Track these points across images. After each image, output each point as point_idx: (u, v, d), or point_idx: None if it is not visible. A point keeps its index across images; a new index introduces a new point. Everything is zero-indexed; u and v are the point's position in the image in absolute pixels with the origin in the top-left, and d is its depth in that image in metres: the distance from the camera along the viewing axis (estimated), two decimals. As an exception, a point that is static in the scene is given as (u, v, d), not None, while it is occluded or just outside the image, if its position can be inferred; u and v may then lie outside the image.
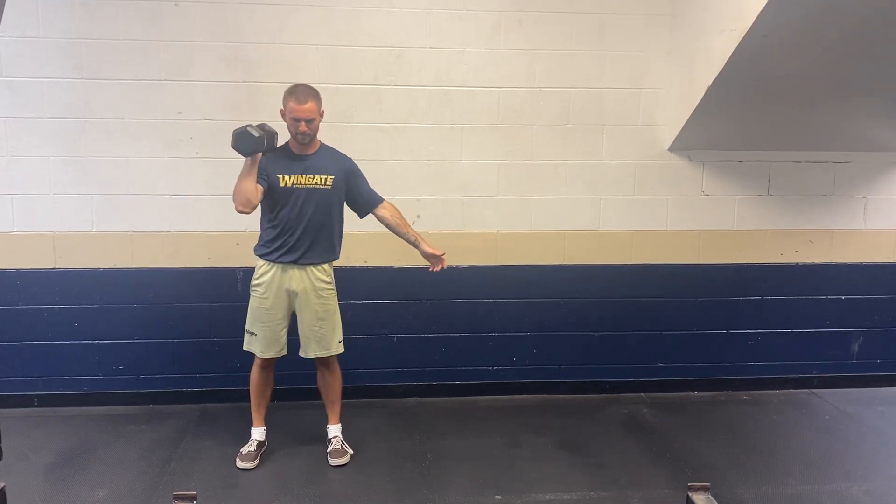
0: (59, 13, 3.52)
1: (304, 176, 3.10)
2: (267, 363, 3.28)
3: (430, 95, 3.78)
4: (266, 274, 3.17)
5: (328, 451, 3.32)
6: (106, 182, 3.67)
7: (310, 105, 3.01)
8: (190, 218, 3.75)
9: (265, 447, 3.35)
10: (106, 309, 3.78)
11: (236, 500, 2.98)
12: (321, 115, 3.09)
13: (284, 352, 3.28)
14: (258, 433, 3.35)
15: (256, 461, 3.25)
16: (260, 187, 3.05)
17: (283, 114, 3.08)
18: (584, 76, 3.84)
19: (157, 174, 3.69)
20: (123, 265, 3.75)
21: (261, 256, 3.19)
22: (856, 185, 4.12)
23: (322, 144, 3.20)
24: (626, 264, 4.05)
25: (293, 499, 2.98)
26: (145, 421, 3.69)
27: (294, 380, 3.67)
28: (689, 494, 2.08)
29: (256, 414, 3.35)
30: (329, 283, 3.24)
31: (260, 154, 3.05)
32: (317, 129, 3.10)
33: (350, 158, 3.24)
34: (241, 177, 3.04)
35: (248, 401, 3.35)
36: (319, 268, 3.20)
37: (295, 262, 3.14)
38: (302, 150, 3.13)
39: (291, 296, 3.19)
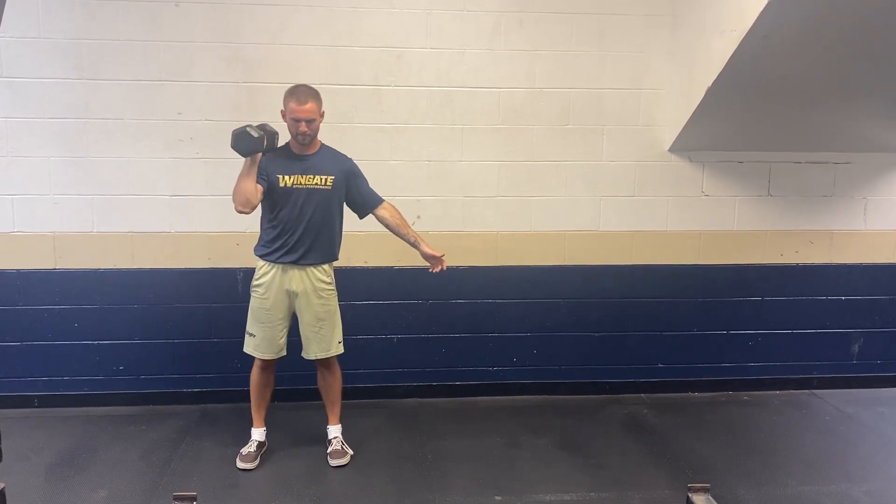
0: (60, 14, 3.52)
1: (304, 176, 3.10)
2: (267, 364, 3.28)
3: (431, 96, 3.78)
4: (266, 274, 3.17)
5: (328, 451, 3.32)
6: (106, 182, 3.67)
7: (310, 105, 3.01)
8: (190, 218, 3.75)
9: (265, 448, 3.35)
10: (106, 309, 3.78)
11: (236, 500, 2.98)
12: (321, 115, 3.09)
13: (284, 353, 3.28)
14: (258, 434, 3.35)
15: (256, 462, 3.25)
16: (260, 187, 3.06)
17: (283, 114, 3.08)
18: (584, 76, 3.84)
19: (157, 174, 3.70)
20: (124, 266, 3.76)
21: (261, 257, 3.19)
22: (856, 185, 4.12)
23: (322, 145, 3.20)
24: (627, 265, 4.05)
25: (293, 499, 2.98)
26: (145, 421, 3.69)
27: (294, 380, 3.67)
28: (689, 495, 2.08)
29: (256, 414, 3.35)
30: (329, 283, 3.24)
31: (260, 154, 3.05)
32: (317, 130, 3.10)
33: (350, 159, 3.24)
34: (241, 177, 3.04)
35: (249, 401, 3.35)
36: (320, 268, 3.19)
37: (295, 263, 3.14)
38: (302, 151, 3.13)
39: (292, 296, 3.19)
